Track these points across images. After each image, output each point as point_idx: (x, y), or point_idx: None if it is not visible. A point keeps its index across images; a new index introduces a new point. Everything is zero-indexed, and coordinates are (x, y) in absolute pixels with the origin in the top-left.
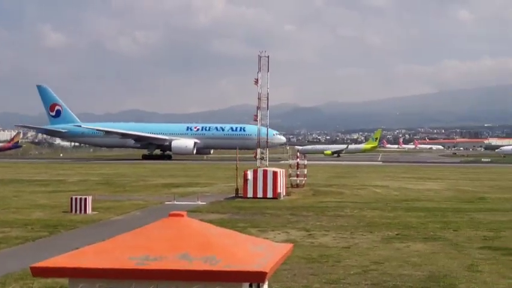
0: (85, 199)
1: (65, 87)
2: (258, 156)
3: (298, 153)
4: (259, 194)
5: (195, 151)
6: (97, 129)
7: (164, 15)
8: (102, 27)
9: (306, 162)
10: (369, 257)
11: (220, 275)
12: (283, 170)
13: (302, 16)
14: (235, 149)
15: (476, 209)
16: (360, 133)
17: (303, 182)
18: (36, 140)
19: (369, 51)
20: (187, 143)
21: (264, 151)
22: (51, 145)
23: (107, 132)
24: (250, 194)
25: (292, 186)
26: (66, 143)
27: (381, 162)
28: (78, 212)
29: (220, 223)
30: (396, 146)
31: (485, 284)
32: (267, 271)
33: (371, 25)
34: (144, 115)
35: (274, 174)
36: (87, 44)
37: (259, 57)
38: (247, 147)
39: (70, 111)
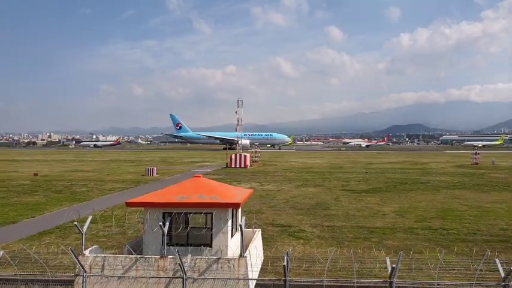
0: (152, 168)
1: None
2: (239, 148)
3: (256, 147)
4: (238, 165)
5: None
6: (203, 135)
7: (192, 80)
8: (163, 85)
9: (259, 150)
10: (289, 194)
11: (218, 204)
12: (249, 154)
13: (258, 81)
14: (266, 145)
15: (339, 172)
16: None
17: (258, 159)
18: (128, 140)
19: (289, 99)
20: (246, 141)
21: (240, 147)
22: (134, 143)
23: (208, 137)
24: (233, 165)
25: (253, 161)
26: (143, 142)
27: (294, 150)
28: (149, 175)
29: (219, 179)
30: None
31: (343, 206)
32: (240, 202)
33: (290, 87)
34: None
35: (245, 156)
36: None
37: (238, 100)
38: (272, 143)
39: (186, 126)
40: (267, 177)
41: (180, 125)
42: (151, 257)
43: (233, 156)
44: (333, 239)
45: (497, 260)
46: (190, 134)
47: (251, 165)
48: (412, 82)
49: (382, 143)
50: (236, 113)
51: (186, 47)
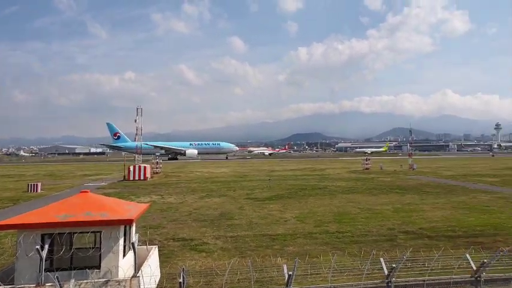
0: (36, 184)
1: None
2: (137, 158)
3: (157, 158)
4: (137, 178)
5: (198, 156)
6: (151, 145)
7: (86, 86)
8: (51, 91)
9: (161, 161)
10: (192, 206)
11: (108, 222)
12: (149, 165)
13: (160, 89)
14: (213, 153)
15: (243, 180)
16: None
17: (159, 170)
18: (8, 153)
19: (193, 107)
20: (194, 151)
21: (139, 157)
22: (16, 155)
23: (155, 147)
24: (131, 178)
25: (154, 173)
26: (26, 154)
27: (199, 160)
28: (32, 191)
29: (115, 194)
30: None
31: (247, 215)
32: (133, 218)
33: (194, 95)
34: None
35: (145, 167)
36: (41, 100)
37: (137, 108)
38: (219, 152)
39: (124, 135)
40: (169, 189)
41: (118, 134)
42: (23, 287)
43: (131, 168)
44: (235, 249)
45: (381, 259)
46: (131, 143)
47: (152, 177)
48: (310, 93)
49: (284, 151)
50: (135, 121)
51: (78, 51)
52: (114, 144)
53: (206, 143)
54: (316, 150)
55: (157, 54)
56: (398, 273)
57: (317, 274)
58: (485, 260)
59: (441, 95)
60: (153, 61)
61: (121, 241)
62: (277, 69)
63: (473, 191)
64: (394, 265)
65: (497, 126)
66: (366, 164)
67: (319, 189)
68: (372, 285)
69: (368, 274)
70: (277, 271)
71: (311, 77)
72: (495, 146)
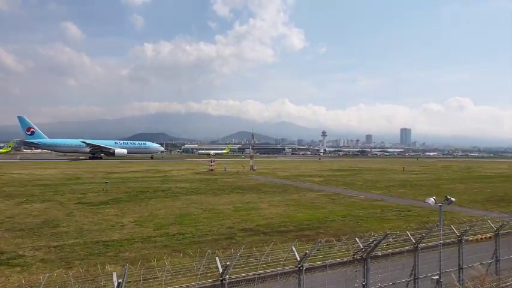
0: None
1: None
2: None
3: None
4: None
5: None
6: (83, 142)
7: None
8: None
9: None
10: (4, 214)
11: None
12: None
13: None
14: (140, 153)
15: (75, 183)
16: None
17: None
18: None
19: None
20: (124, 151)
21: None
22: None
23: (88, 144)
24: None
25: None
26: None
27: (18, 160)
28: None
29: None
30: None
31: (77, 222)
32: None
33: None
34: None
35: None
36: None
37: None
38: (146, 152)
39: (40, 131)
40: None
41: (32, 129)
42: None
43: None
44: (60, 260)
45: (217, 258)
46: (50, 140)
47: None
48: (156, 92)
49: None
50: None
51: None
52: (30, 141)
53: (132, 142)
54: (161, 152)
55: None
56: (233, 270)
57: (154, 278)
58: (307, 251)
59: (280, 104)
60: None
61: None
62: (120, 63)
63: (303, 190)
64: (228, 263)
65: (324, 134)
66: (211, 165)
67: (162, 191)
68: (206, 285)
69: (204, 273)
70: (105, 280)
71: (158, 75)
72: (321, 150)
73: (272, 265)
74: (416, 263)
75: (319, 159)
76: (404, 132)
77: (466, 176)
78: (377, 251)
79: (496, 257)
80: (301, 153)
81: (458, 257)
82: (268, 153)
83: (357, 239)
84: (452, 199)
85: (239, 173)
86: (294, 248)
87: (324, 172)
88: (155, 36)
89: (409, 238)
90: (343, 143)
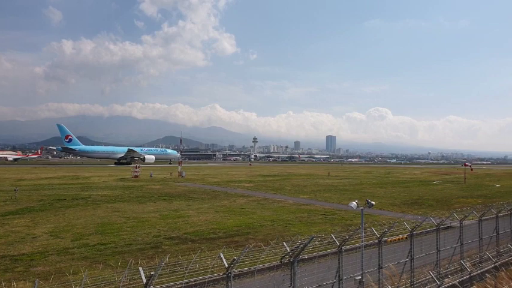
0: None
1: None
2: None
3: None
4: None
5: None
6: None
7: None
8: None
9: None
10: None
11: None
12: None
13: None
14: (161, 160)
15: None
16: None
17: None
18: None
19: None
20: (152, 157)
21: None
22: None
23: (130, 150)
24: None
25: None
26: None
27: None
28: None
29: None
30: None
31: None
32: None
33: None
34: None
35: None
36: None
37: None
38: (166, 158)
39: (76, 139)
40: None
41: (69, 137)
42: None
43: None
44: None
45: (140, 268)
46: (86, 147)
47: None
48: (75, 93)
49: (36, 156)
50: None
51: None
52: (68, 146)
53: (155, 149)
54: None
55: None
56: (159, 280)
57: None
58: (235, 258)
59: (210, 109)
60: None
61: None
62: (33, 60)
63: (233, 196)
64: (153, 272)
65: (255, 140)
66: (135, 171)
67: (81, 199)
68: None
69: (126, 285)
70: None
71: (78, 75)
72: (252, 156)
73: (200, 273)
74: (341, 265)
75: (250, 164)
76: (330, 139)
77: (385, 181)
78: (303, 254)
79: (411, 255)
80: (232, 158)
81: (378, 257)
82: (198, 159)
83: (284, 243)
84: (373, 203)
85: (166, 180)
86: (222, 255)
87: (254, 178)
88: (75, 33)
89: (334, 241)
90: (273, 149)
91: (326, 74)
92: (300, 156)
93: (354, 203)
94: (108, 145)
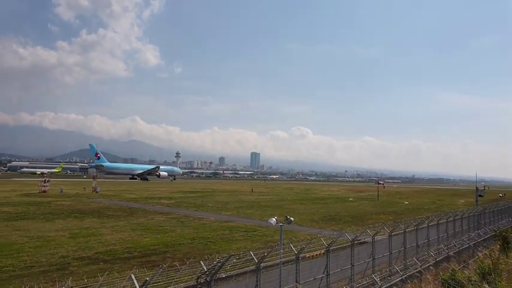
0: None
1: None
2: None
3: None
4: None
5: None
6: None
7: None
8: None
9: None
10: None
11: None
12: None
13: None
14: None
15: None
16: None
17: None
18: None
19: None
20: (165, 173)
21: None
22: None
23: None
24: None
25: None
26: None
27: None
28: None
29: None
30: None
31: None
32: None
33: None
34: None
35: None
36: None
37: None
38: (172, 174)
39: (103, 156)
40: None
41: (98, 155)
42: None
43: None
44: None
45: None
46: (110, 164)
47: None
48: None
49: None
50: None
51: None
52: (97, 163)
53: (166, 167)
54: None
55: None
56: None
57: None
58: (147, 278)
59: (131, 121)
60: None
61: None
62: None
63: (151, 213)
64: None
65: (177, 155)
66: (43, 186)
67: None
68: None
69: None
70: None
71: None
72: None
73: None
74: (259, 282)
75: (171, 180)
76: (255, 156)
77: (305, 197)
78: (221, 273)
79: (327, 271)
80: None
81: (296, 273)
82: (116, 174)
83: (201, 262)
84: (292, 219)
85: (79, 195)
86: (133, 276)
87: (175, 194)
88: None
89: (252, 258)
90: (197, 165)
91: (249, 91)
92: (225, 172)
93: (274, 219)
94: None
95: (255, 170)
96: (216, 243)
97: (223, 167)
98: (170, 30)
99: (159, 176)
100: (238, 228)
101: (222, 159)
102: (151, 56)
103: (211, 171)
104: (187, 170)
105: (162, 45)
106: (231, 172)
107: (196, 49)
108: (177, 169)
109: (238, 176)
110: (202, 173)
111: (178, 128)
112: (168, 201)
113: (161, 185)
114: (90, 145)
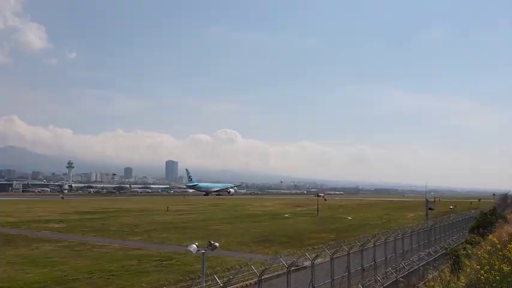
0: None
1: None
2: None
3: None
4: None
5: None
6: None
7: None
8: None
9: None
10: None
11: None
12: None
13: None
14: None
15: None
16: None
17: None
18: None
19: None
20: (233, 191)
21: None
22: None
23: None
24: None
25: None
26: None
27: None
28: None
29: None
30: None
31: None
32: None
33: None
34: None
35: None
36: None
37: None
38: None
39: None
40: None
41: (190, 177)
42: None
43: None
44: None
45: None
46: (202, 184)
47: None
48: None
49: None
50: None
51: None
52: (190, 184)
53: (230, 184)
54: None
55: None
56: None
57: None
58: None
59: (6, 122)
60: None
61: None
62: None
63: (36, 241)
64: None
65: (70, 165)
66: None
67: None
68: None
69: None
70: None
71: None
72: (66, 186)
73: None
74: None
75: (63, 198)
76: (171, 165)
77: (233, 214)
78: None
79: None
80: (37, 190)
81: None
82: None
83: None
84: (216, 244)
85: None
86: None
87: (68, 216)
88: None
89: None
90: (96, 178)
91: (163, 85)
92: (132, 186)
93: (194, 245)
94: None
95: (172, 183)
96: (121, 276)
97: (131, 180)
98: (60, 4)
99: (229, 193)
100: (149, 256)
101: (128, 169)
102: (34, 37)
103: (114, 186)
104: (83, 185)
105: (49, 23)
106: (141, 186)
107: (95, 29)
108: (229, 185)
109: (150, 190)
110: (103, 188)
111: (71, 130)
112: (59, 225)
113: (49, 204)
114: (186, 169)
